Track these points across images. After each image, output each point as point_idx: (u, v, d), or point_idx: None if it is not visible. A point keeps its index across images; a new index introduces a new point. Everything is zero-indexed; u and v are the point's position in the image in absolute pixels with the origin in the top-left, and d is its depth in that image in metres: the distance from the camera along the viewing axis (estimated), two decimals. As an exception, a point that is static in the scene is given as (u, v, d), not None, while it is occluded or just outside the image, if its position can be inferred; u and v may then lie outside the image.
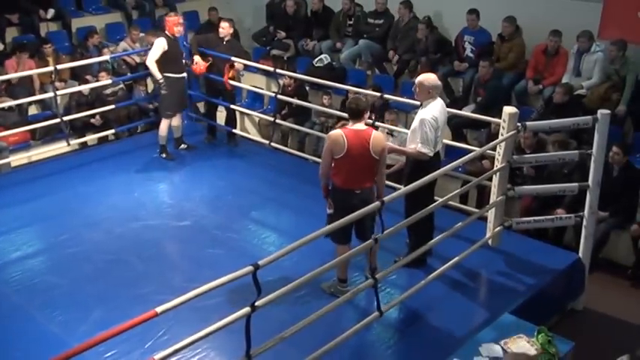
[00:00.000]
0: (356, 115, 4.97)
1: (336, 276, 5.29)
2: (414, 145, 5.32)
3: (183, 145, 8.30)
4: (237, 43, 8.57)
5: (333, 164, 4.97)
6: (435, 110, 5.33)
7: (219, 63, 8.20)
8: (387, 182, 5.40)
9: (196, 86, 9.13)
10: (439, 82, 5.47)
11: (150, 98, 9.78)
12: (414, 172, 5.29)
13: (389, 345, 4.87)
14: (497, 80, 8.25)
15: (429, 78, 5.41)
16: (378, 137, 4.98)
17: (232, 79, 8.35)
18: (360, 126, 4.97)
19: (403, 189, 4.89)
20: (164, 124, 7.95)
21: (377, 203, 4.57)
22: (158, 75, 7.67)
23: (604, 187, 5.63)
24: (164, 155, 8.04)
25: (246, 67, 8.63)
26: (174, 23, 7.71)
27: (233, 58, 8.12)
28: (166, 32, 7.73)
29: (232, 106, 8.57)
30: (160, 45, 7.61)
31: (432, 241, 5.39)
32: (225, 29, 8.19)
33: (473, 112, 7.88)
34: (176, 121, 8.13)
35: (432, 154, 5.31)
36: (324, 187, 5.13)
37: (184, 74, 7.98)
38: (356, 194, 4.93)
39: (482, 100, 8.17)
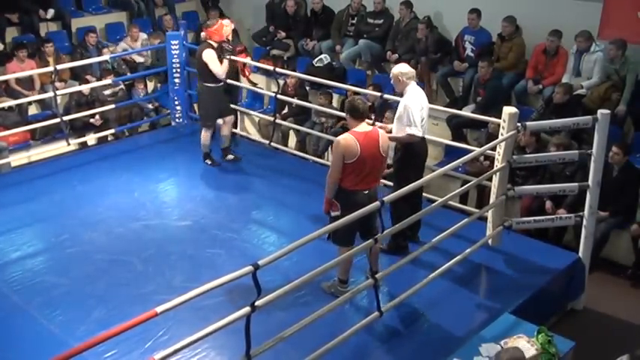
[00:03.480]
0: (362, 115, 4.96)
1: (337, 276, 5.28)
2: (402, 130, 5.52)
3: (230, 156, 7.96)
4: (240, 41, 8.55)
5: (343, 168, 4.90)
6: (415, 95, 5.55)
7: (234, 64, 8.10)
8: (385, 181, 5.42)
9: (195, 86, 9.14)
10: (410, 69, 5.68)
11: (149, 98, 9.80)
12: (403, 156, 5.51)
13: (389, 345, 4.87)
14: (497, 80, 8.24)
15: (397, 66, 5.70)
16: (383, 135, 5.05)
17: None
18: (365, 127, 4.96)
19: (403, 189, 4.88)
20: (205, 135, 7.66)
21: (377, 203, 4.57)
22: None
23: (604, 187, 5.63)
24: (209, 162, 7.79)
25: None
26: (223, 27, 7.35)
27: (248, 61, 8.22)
28: (210, 41, 7.35)
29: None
30: (212, 56, 7.25)
31: (436, 239, 5.38)
32: (227, 27, 8.06)
33: (473, 112, 7.88)
34: (225, 130, 7.82)
35: (421, 134, 5.53)
36: (328, 199, 5.00)
37: (222, 83, 7.58)
38: (364, 194, 4.92)
39: (482, 100, 8.16)
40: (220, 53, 7.35)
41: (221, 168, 7.87)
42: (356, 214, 4.46)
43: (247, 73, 8.46)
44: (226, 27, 7.42)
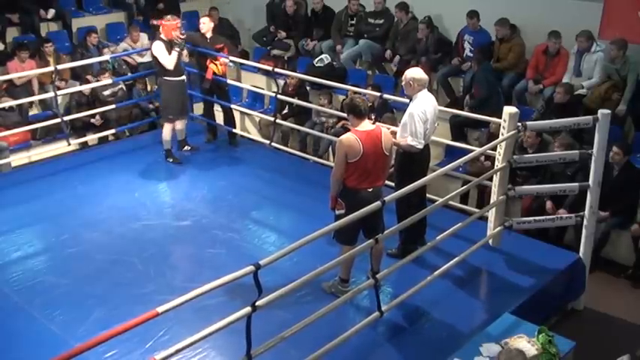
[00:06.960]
0: (364, 114, 4.96)
1: (339, 276, 5.28)
2: (404, 139, 5.44)
3: (187, 147, 8.22)
4: (220, 37, 8.49)
5: (346, 167, 4.91)
6: (424, 103, 5.43)
7: (205, 61, 8.15)
8: (386, 182, 5.41)
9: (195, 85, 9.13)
10: (424, 76, 5.55)
11: (150, 98, 9.80)
12: (403, 164, 5.46)
13: (389, 345, 4.87)
14: (486, 72, 8.17)
15: (412, 71, 5.56)
16: (387, 134, 5.05)
17: (223, 74, 8.32)
18: (368, 125, 4.97)
19: (404, 189, 4.88)
20: (167, 129, 7.85)
21: (378, 203, 4.57)
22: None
23: (604, 187, 5.63)
24: (171, 160, 7.94)
25: (242, 65, 8.53)
26: (173, 27, 7.51)
27: (227, 57, 8.15)
28: (162, 36, 7.54)
29: (229, 105, 8.55)
30: (160, 50, 7.47)
31: (437, 239, 5.39)
32: (205, 24, 8.13)
33: (467, 105, 7.87)
34: (180, 124, 8.05)
35: (421, 147, 5.43)
36: (333, 196, 5.03)
37: (183, 77, 7.84)
38: (369, 192, 4.93)
39: (478, 96, 8.14)
40: (170, 48, 7.52)
41: (221, 168, 7.88)
42: (358, 213, 4.48)
43: (216, 68, 8.24)
44: (174, 31, 7.53)
